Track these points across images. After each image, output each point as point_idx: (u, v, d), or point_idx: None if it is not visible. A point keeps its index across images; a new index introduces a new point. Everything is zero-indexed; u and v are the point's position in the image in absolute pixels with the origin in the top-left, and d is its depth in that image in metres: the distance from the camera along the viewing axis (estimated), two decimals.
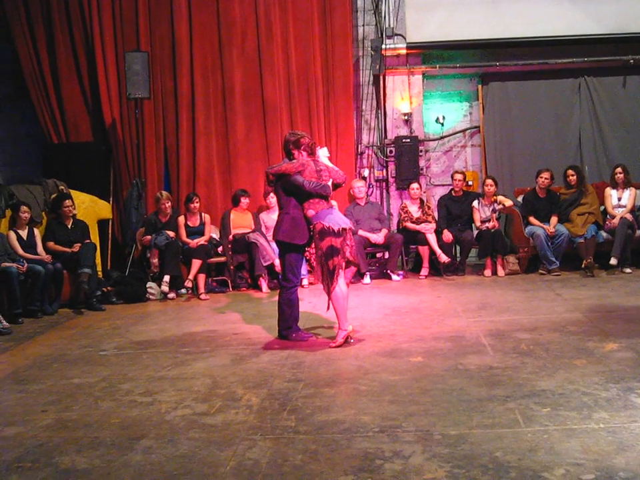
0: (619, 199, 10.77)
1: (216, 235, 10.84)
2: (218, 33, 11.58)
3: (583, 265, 10.16)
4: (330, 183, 6.87)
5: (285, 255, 6.99)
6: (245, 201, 10.83)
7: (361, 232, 10.68)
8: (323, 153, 7.10)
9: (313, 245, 10.50)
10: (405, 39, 11.79)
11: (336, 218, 6.71)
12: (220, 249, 10.62)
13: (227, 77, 11.62)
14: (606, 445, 3.95)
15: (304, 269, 10.53)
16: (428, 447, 4.06)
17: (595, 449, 3.91)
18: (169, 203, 10.51)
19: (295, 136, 7.02)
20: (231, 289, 10.48)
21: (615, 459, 3.76)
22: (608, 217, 10.72)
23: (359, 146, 12.18)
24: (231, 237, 10.56)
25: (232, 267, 10.52)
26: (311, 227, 6.71)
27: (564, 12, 11.55)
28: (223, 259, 10.58)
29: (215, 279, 10.68)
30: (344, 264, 6.70)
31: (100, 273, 10.23)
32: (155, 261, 10.20)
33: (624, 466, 3.66)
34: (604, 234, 10.53)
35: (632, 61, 11.71)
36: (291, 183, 6.76)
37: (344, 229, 6.65)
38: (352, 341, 6.68)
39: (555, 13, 11.55)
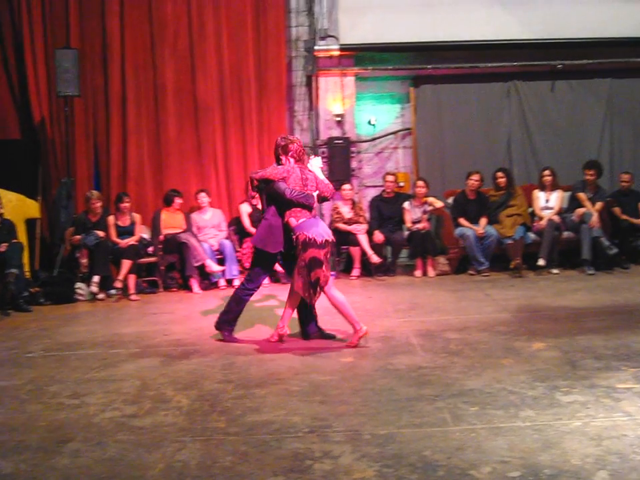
0: (547, 201, 10.99)
1: (146, 235, 10.74)
2: (150, 30, 11.47)
3: (511, 266, 10.34)
4: (315, 194, 6.73)
5: (258, 260, 6.88)
6: (178, 201, 10.74)
7: None
8: (315, 163, 6.93)
9: (244, 247, 10.57)
10: (337, 40, 11.82)
11: (319, 229, 6.54)
12: (150, 249, 10.53)
13: (158, 75, 11.52)
14: (532, 443, 4.01)
15: (235, 270, 10.52)
16: (357, 447, 4.08)
17: (521, 446, 3.97)
18: (100, 203, 10.37)
19: (285, 141, 6.84)
20: (161, 290, 10.39)
21: (540, 456, 3.83)
22: (536, 218, 10.93)
23: None
24: (161, 237, 10.48)
25: (162, 268, 10.44)
26: (294, 237, 6.55)
27: (495, 17, 11.72)
28: (153, 259, 10.48)
29: (145, 279, 10.57)
30: (328, 275, 6.57)
31: (27, 273, 10.03)
32: (84, 261, 10.05)
33: (549, 463, 3.73)
34: (532, 235, 10.72)
35: (560, 66, 11.95)
36: (273, 189, 6.63)
37: (327, 241, 6.52)
38: (365, 342, 6.58)
39: (486, 18, 11.71)
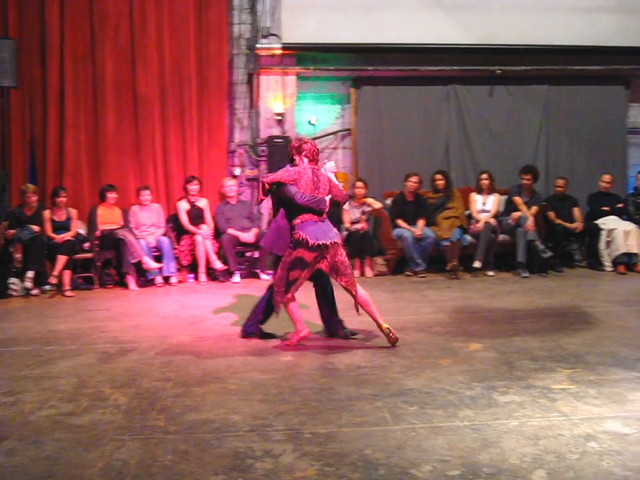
0: (484, 204, 11.16)
1: (82, 231, 10.58)
2: (90, 23, 11.25)
3: (448, 268, 10.46)
4: (327, 198, 6.61)
5: (277, 263, 6.75)
6: (111, 195, 10.60)
7: (230, 231, 10.67)
8: (328, 167, 6.84)
9: (182, 244, 10.49)
10: (280, 39, 11.78)
11: (318, 232, 6.41)
12: (86, 244, 10.38)
13: (98, 68, 11.32)
14: (471, 442, 4.07)
15: (172, 267, 10.43)
16: (298, 446, 4.09)
17: (460, 445, 4.03)
18: (35, 197, 10.17)
19: (299, 142, 6.80)
20: (97, 286, 10.24)
21: (479, 455, 3.89)
22: (472, 221, 11.08)
23: (231, 144, 12.10)
24: (98, 232, 10.34)
25: (99, 264, 10.30)
26: (293, 233, 6.48)
27: (436, 21, 11.81)
28: (89, 255, 10.33)
29: (80, 275, 10.40)
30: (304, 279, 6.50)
31: None
32: (18, 255, 9.84)
33: (488, 462, 3.79)
34: (468, 237, 10.87)
35: (499, 71, 12.11)
36: (283, 193, 6.53)
37: (322, 245, 6.36)
38: (302, 344, 6.53)
39: (428, 22, 11.80)
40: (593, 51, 12.13)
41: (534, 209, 10.89)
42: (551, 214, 11.22)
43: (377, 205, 11.02)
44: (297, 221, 6.47)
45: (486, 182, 11.16)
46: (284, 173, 6.61)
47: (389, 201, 11.42)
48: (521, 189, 11.13)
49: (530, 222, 10.58)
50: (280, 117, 11.96)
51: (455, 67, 12.11)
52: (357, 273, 10.74)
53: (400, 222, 10.95)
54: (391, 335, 6.40)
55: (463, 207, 11.18)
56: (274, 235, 6.65)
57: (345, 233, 10.95)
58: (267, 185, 6.64)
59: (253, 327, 6.89)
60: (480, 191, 11.23)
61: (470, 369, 5.61)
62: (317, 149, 6.83)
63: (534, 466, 3.75)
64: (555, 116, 12.58)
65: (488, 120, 12.49)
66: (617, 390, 5.03)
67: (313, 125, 12.33)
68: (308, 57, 12.12)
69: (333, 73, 12.27)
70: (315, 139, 12.16)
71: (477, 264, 10.48)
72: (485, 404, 4.75)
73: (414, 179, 11.03)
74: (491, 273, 10.57)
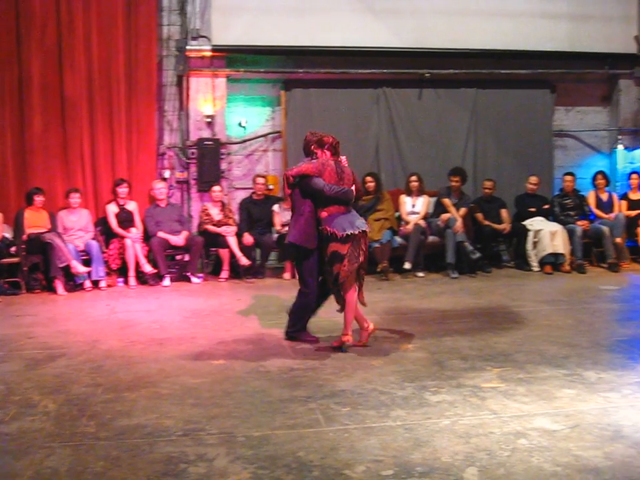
0: (413, 206, 11.26)
1: (9, 235, 10.37)
2: (16, 23, 10.98)
3: (378, 269, 10.53)
4: (353, 188, 6.64)
5: (301, 259, 6.70)
6: (38, 199, 10.41)
7: (160, 234, 10.58)
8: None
9: (111, 247, 10.36)
10: (209, 40, 11.71)
11: (344, 223, 6.40)
12: (13, 249, 10.17)
13: (24, 69, 11.07)
14: (403, 442, 4.12)
15: (101, 271, 10.29)
16: (232, 449, 4.08)
17: (393, 445, 4.06)
18: None
19: (316, 135, 6.78)
20: (24, 291, 10.04)
21: (412, 454, 3.93)
22: (402, 222, 11.17)
23: (161, 147, 11.98)
24: (25, 236, 10.14)
25: (25, 268, 10.10)
26: (321, 228, 6.49)
27: (366, 24, 11.88)
28: (16, 259, 10.12)
29: (7, 280, 10.19)
30: (353, 270, 6.44)
31: None
32: None
33: (421, 461, 3.84)
34: (398, 239, 10.96)
35: (427, 74, 12.23)
36: (310, 185, 6.50)
37: (351, 234, 6.35)
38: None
39: (358, 25, 11.86)
40: (520, 55, 12.38)
41: (462, 210, 11.05)
42: (479, 215, 11.39)
43: None
44: (324, 214, 6.47)
45: (415, 184, 11.27)
46: (308, 165, 6.60)
47: None
48: (450, 190, 11.28)
49: (459, 223, 10.74)
50: (210, 119, 11.88)
51: (385, 70, 12.19)
52: (288, 275, 10.76)
53: None
54: (344, 347, 6.44)
55: (393, 209, 11.28)
56: (304, 229, 6.60)
57: (275, 235, 10.97)
58: (291, 179, 6.63)
59: (298, 333, 6.84)
60: (409, 192, 11.34)
61: (401, 370, 5.66)
62: (338, 142, 6.83)
63: (466, 464, 3.80)
64: (483, 119, 12.75)
65: (417, 123, 12.58)
66: (545, 387, 5.14)
67: (244, 127, 12.27)
68: (238, 59, 12.08)
69: (263, 75, 12.25)
70: (244, 141, 12.20)
71: (407, 265, 10.57)
72: (417, 404, 4.81)
73: None
74: (420, 274, 10.70)
